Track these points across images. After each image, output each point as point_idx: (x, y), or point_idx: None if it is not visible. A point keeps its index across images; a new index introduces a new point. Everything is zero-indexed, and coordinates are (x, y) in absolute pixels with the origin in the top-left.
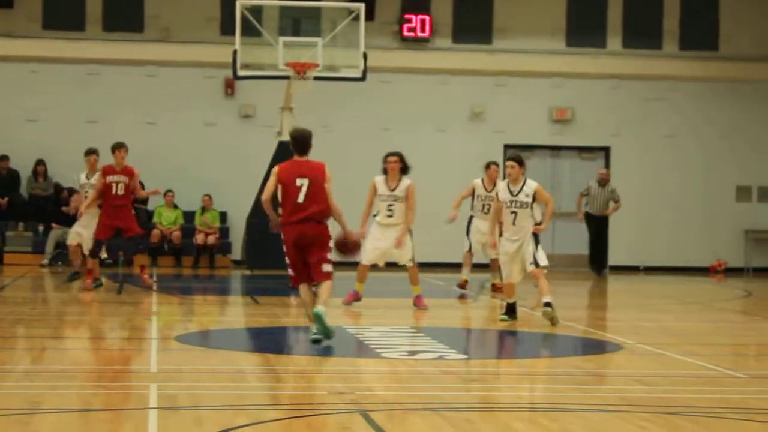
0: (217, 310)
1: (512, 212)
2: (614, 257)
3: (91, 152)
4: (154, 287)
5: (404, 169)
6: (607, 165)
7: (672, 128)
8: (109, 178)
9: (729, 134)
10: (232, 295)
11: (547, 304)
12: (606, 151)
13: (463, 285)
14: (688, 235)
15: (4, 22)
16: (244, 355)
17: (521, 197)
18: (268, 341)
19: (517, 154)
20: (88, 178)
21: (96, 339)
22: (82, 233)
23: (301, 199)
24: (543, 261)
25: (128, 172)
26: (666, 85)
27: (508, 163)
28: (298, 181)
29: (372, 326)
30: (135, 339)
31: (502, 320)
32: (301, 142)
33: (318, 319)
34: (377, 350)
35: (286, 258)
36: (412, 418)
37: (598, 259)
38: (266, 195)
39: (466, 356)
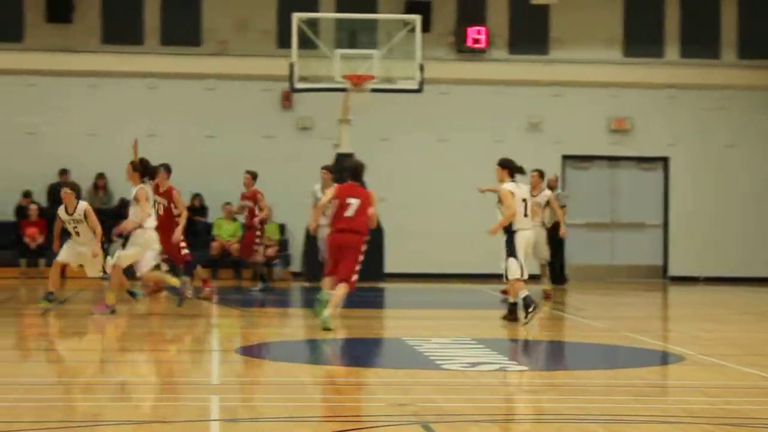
0: (276, 323)
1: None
2: (674, 268)
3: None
4: (213, 299)
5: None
6: (666, 175)
7: (731, 137)
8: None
9: None
10: (291, 307)
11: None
12: (665, 161)
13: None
14: (749, 244)
15: (63, 37)
16: (304, 367)
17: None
18: (328, 353)
19: (504, 158)
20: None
21: (157, 351)
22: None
23: (350, 213)
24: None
25: (167, 195)
26: (724, 94)
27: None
28: (349, 200)
29: (432, 338)
30: (196, 351)
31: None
32: (357, 171)
33: (321, 302)
34: (437, 362)
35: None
36: (473, 429)
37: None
38: (322, 202)
39: (526, 368)
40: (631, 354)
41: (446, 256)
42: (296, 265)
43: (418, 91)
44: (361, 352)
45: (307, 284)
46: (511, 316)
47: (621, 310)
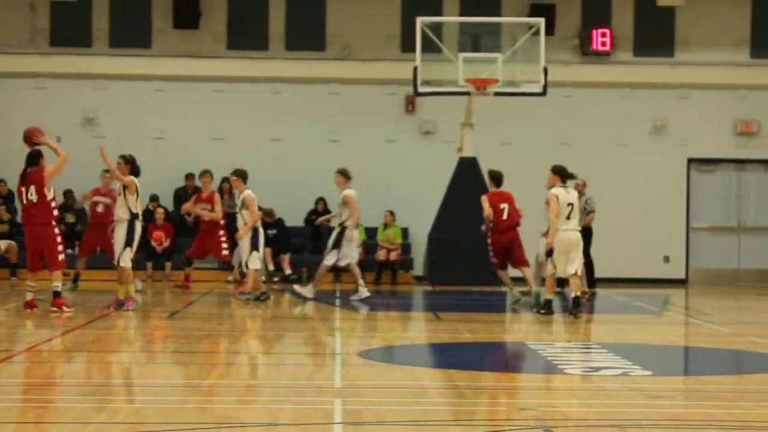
0: (399, 326)
1: None
2: None
3: None
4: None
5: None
6: None
7: None
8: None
9: None
10: (414, 310)
11: None
12: None
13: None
14: None
15: (190, 43)
16: (427, 371)
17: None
18: (451, 357)
19: (557, 165)
20: None
21: (280, 354)
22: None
23: (504, 216)
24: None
25: (209, 199)
26: None
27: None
28: (502, 205)
29: (554, 342)
30: (318, 354)
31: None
32: (499, 178)
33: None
34: (560, 366)
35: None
36: None
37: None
38: (487, 213)
39: (650, 372)
40: (758, 359)
41: None
42: (418, 269)
43: (542, 94)
44: (484, 356)
45: (430, 288)
46: (576, 310)
47: (747, 315)
